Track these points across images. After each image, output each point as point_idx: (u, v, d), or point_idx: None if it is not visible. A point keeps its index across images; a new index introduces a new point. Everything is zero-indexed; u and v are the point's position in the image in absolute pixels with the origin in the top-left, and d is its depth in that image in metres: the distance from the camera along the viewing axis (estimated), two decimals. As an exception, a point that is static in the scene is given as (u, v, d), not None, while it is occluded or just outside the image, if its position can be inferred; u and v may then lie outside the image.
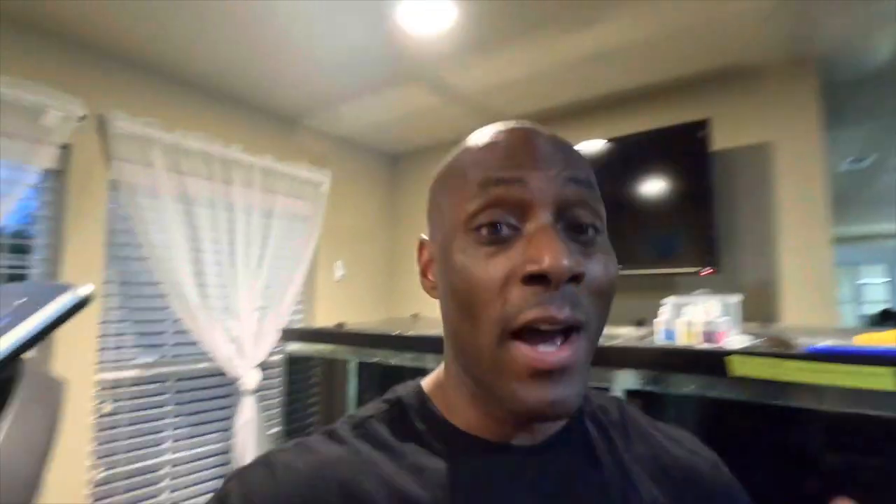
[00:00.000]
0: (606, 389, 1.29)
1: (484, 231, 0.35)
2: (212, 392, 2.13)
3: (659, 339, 1.26)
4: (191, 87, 2.07)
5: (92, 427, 1.74)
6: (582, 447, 0.42)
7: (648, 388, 1.21)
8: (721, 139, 1.89)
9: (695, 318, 1.18)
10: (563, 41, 1.75)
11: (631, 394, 1.24)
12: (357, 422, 0.41)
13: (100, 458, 1.77)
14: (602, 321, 0.37)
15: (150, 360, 1.96)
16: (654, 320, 1.32)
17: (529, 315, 0.33)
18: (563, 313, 0.33)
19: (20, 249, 1.66)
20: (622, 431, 0.45)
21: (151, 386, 1.94)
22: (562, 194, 0.36)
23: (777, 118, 1.89)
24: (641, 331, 1.74)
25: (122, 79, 1.86)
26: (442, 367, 0.44)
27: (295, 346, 2.19)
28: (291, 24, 1.64)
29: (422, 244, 0.45)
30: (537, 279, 0.33)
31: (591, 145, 2.11)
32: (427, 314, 2.60)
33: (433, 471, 0.37)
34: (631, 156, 2.03)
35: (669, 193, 1.92)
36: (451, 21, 1.63)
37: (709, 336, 1.14)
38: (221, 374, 2.09)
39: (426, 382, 0.45)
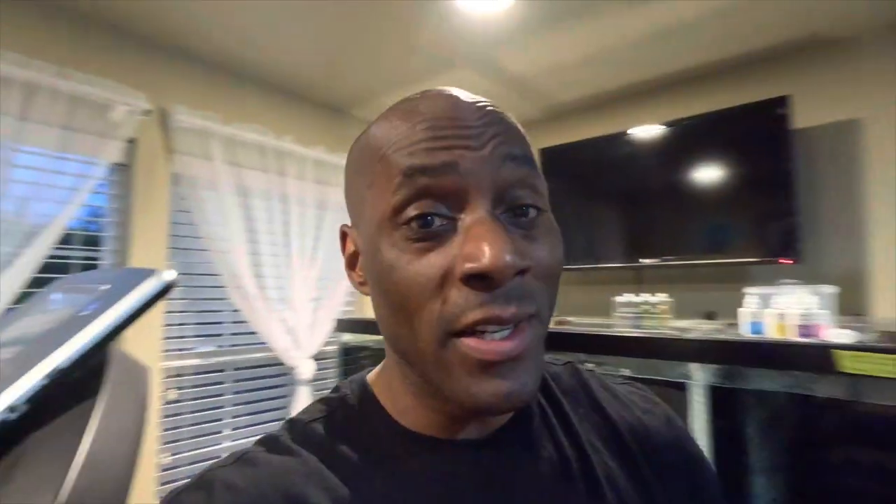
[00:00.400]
0: (682, 386, 1.21)
1: (414, 225, 0.32)
2: (268, 381, 2.17)
3: (744, 333, 1.16)
4: (244, 78, 2.08)
5: (159, 413, 1.80)
6: (535, 429, 0.39)
7: (728, 384, 1.12)
8: (802, 117, 1.74)
9: (788, 310, 1.08)
10: (626, 17, 1.65)
11: (711, 390, 1.15)
12: (299, 428, 0.38)
13: (166, 443, 1.83)
14: (552, 303, 0.35)
15: (210, 349, 2.01)
16: (739, 311, 1.22)
17: (471, 317, 0.30)
18: (508, 312, 0.30)
19: (91, 241, 1.72)
20: (574, 400, 0.43)
21: (211, 374, 1.99)
22: (499, 176, 0.32)
23: (866, 92, 1.72)
24: (713, 324, 1.63)
25: (182, 73, 1.90)
26: (382, 364, 0.42)
27: (348, 337, 2.20)
28: (342, 13, 1.62)
29: (344, 234, 0.41)
30: (478, 278, 0.30)
31: (647, 130, 2.00)
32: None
33: (382, 475, 0.35)
34: (695, 139, 1.91)
35: (742, 177, 1.79)
36: (508, 1, 1.56)
37: (807, 330, 1.03)
38: (278, 363, 2.12)
39: (372, 377, 0.42)
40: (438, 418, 0.37)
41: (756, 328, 1.15)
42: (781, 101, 1.69)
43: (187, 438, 1.89)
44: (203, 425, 1.94)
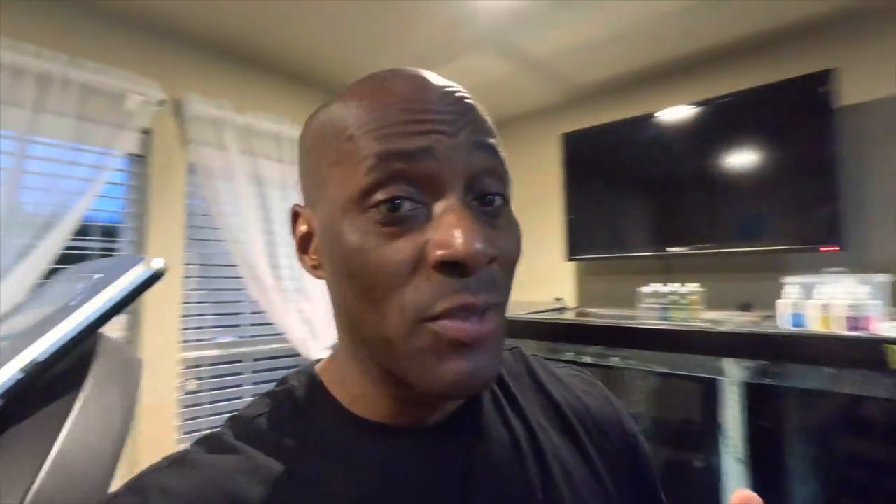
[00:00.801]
0: (715, 383, 1.13)
1: (383, 208, 0.31)
2: (287, 372, 2.16)
3: (783, 325, 1.08)
4: (258, 67, 2.06)
5: (178, 404, 1.80)
6: (486, 412, 0.40)
7: (765, 380, 1.04)
8: (847, 93, 1.61)
9: (834, 300, 0.99)
10: (656, -11, 1.55)
11: (746, 387, 1.07)
12: (243, 424, 0.37)
13: (185, 433, 1.84)
14: (510, 292, 0.35)
15: (228, 339, 2.01)
16: (777, 302, 1.13)
17: (444, 305, 0.30)
18: (479, 299, 0.31)
19: (109, 232, 1.73)
20: (522, 383, 0.45)
21: (230, 365, 1.99)
22: (471, 164, 0.32)
23: (920, 65, 1.58)
24: (749, 316, 1.53)
25: (195, 61, 1.88)
26: (337, 350, 0.40)
27: (365, 329, 2.17)
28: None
29: (296, 213, 0.39)
30: (450, 265, 0.30)
31: (677, 111, 1.89)
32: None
33: (333, 466, 0.34)
34: (729, 119, 1.80)
35: (781, 160, 1.67)
36: (527, -25, 1.48)
37: (856, 322, 0.94)
38: (296, 354, 2.10)
39: (321, 367, 0.41)
40: (395, 405, 0.36)
41: (797, 320, 1.05)
42: (825, 77, 1.57)
43: (206, 429, 1.89)
44: (222, 416, 1.95)
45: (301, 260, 0.39)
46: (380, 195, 0.31)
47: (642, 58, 2.00)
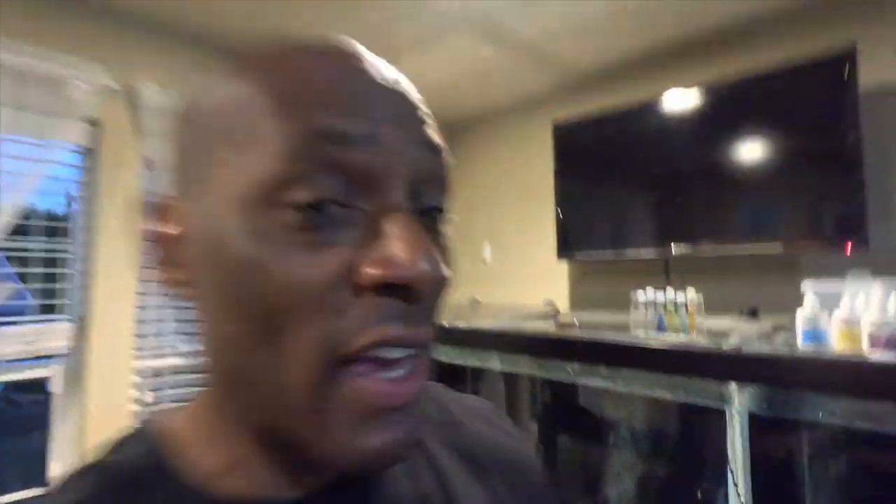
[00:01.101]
0: (719, 412, 0.96)
1: (301, 208, 0.23)
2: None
3: (798, 342, 0.90)
4: (220, 53, 1.91)
5: (133, 416, 1.68)
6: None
7: (774, 412, 0.87)
8: (870, 74, 1.43)
9: (859, 313, 0.81)
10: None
11: (755, 419, 0.90)
12: None
13: (142, 449, 1.71)
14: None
15: (192, 348, 1.87)
16: (797, 316, 0.95)
17: (372, 336, 0.23)
18: (420, 332, 0.25)
19: (55, 232, 1.60)
20: (430, 421, 0.39)
21: (194, 375, 1.86)
22: (418, 164, 0.26)
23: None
24: (758, 325, 1.36)
25: (151, 47, 1.74)
26: (198, 402, 0.31)
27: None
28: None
29: (162, 208, 0.28)
30: (392, 288, 0.23)
31: (680, 96, 1.72)
32: (490, 299, 2.33)
33: None
34: (738, 104, 1.63)
35: (796, 149, 1.50)
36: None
37: (890, 341, 0.77)
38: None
39: (171, 428, 0.30)
40: (278, 473, 0.28)
41: (816, 337, 0.88)
42: (846, 57, 1.39)
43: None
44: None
45: (162, 273, 0.28)
46: (301, 193, 0.23)
47: (642, 39, 1.82)
